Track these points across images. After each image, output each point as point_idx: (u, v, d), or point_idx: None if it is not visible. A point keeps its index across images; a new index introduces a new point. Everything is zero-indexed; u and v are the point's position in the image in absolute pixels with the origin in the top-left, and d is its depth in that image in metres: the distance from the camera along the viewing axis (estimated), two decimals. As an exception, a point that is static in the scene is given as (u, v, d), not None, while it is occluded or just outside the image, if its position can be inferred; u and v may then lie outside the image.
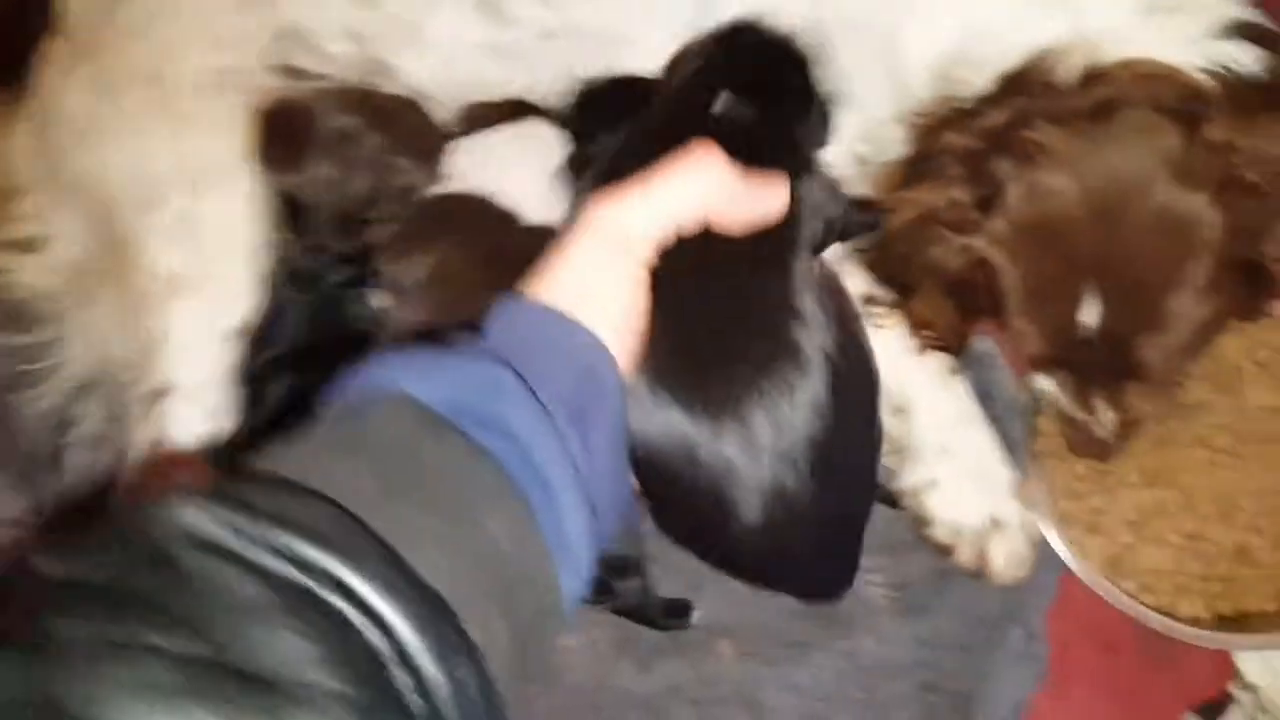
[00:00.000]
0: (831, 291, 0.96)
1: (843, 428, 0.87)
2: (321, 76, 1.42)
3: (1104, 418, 1.26)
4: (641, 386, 0.81)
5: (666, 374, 0.81)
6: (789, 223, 0.87)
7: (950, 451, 1.41)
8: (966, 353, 1.54)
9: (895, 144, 1.30)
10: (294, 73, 1.42)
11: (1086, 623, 1.46)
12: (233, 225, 1.32)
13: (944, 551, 1.41)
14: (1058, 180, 1.09)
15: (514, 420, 0.64)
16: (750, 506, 0.82)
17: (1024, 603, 1.42)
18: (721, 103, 0.96)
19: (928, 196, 1.20)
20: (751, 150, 0.85)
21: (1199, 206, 1.06)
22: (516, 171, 1.38)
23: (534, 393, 0.67)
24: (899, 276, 1.32)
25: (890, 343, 1.41)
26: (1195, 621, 1.37)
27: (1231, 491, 1.39)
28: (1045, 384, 1.31)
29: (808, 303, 0.87)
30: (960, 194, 1.17)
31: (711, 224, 0.82)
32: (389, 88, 1.46)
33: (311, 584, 0.48)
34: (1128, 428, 1.27)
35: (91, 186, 1.33)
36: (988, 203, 1.15)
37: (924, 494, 1.42)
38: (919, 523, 1.43)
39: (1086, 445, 1.30)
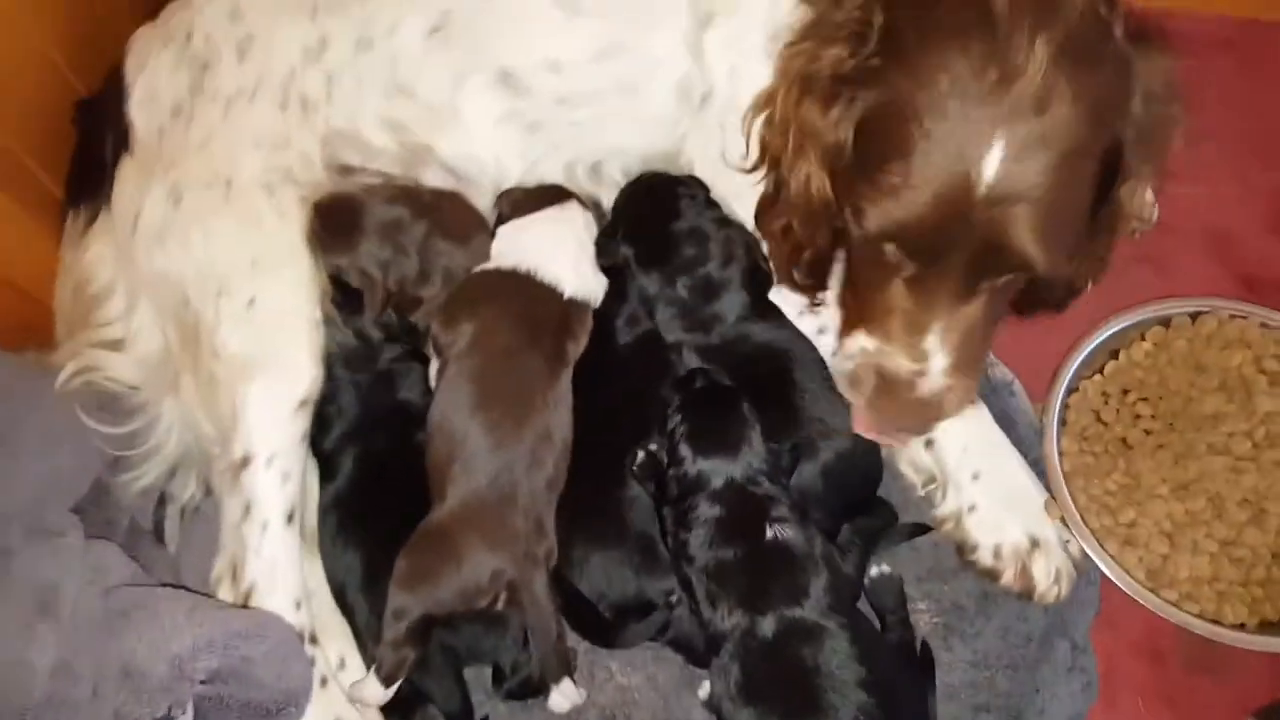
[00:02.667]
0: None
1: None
2: (369, 171, 1.56)
3: (935, 366, 1.24)
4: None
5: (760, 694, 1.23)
6: None
7: (983, 476, 1.47)
8: (987, 382, 1.62)
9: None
10: (344, 170, 1.56)
11: (1132, 634, 1.50)
12: (293, 307, 1.44)
13: (990, 575, 1.46)
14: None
15: None
16: None
17: (1068, 617, 1.47)
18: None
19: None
20: None
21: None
22: (556, 250, 1.52)
23: None
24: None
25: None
26: (1240, 627, 1.40)
27: (1258, 496, 1.43)
28: (866, 344, 1.28)
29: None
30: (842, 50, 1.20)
31: None
32: (430, 171, 1.59)
33: None
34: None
35: (167, 284, 1.47)
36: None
37: (964, 519, 1.48)
38: (962, 548, 1.49)
39: (905, 409, 1.28)
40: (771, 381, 1.47)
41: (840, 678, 1.21)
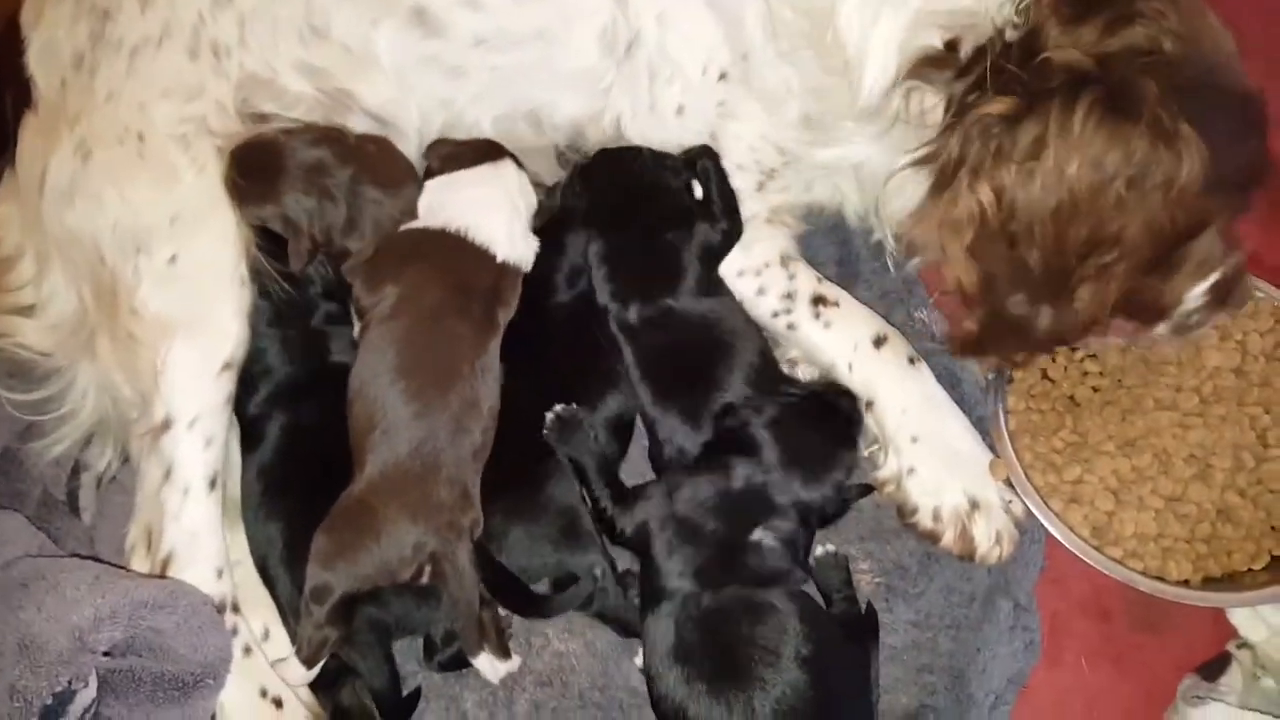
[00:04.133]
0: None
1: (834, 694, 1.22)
2: (287, 119, 1.49)
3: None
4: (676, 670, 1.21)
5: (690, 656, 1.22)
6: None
7: (922, 438, 1.44)
8: (933, 339, 1.59)
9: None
10: (261, 118, 1.49)
11: (1077, 593, 1.47)
12: (217, 264, 1.39)
13: (930, 537, 1.44)
14: None
15: None
16: None
17: (1011, 576, 1.44)
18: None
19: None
20: None
21: None
22: (489, 211, 1.45)
23: None
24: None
25: (848, 340, 1.47)
26: (1184, 584, 1.38)
27: (1205, 451, 1.40)
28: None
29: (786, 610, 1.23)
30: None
31: None
32: (353, 117, 1.52)
33: None
34: None
35: (79, 244, 1.41)
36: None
37: (904, 482, 1.45)
38: (902, 511, 1.46)
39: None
40: (707, 353, 1.43)
41: (778, 651, 1.20)
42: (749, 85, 1.43)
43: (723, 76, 1.44)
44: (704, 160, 1.50)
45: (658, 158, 1.51)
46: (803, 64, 1.38)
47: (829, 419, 1.39)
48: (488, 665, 1.33)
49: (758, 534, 1.29)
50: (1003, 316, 1.30)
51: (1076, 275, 1.23)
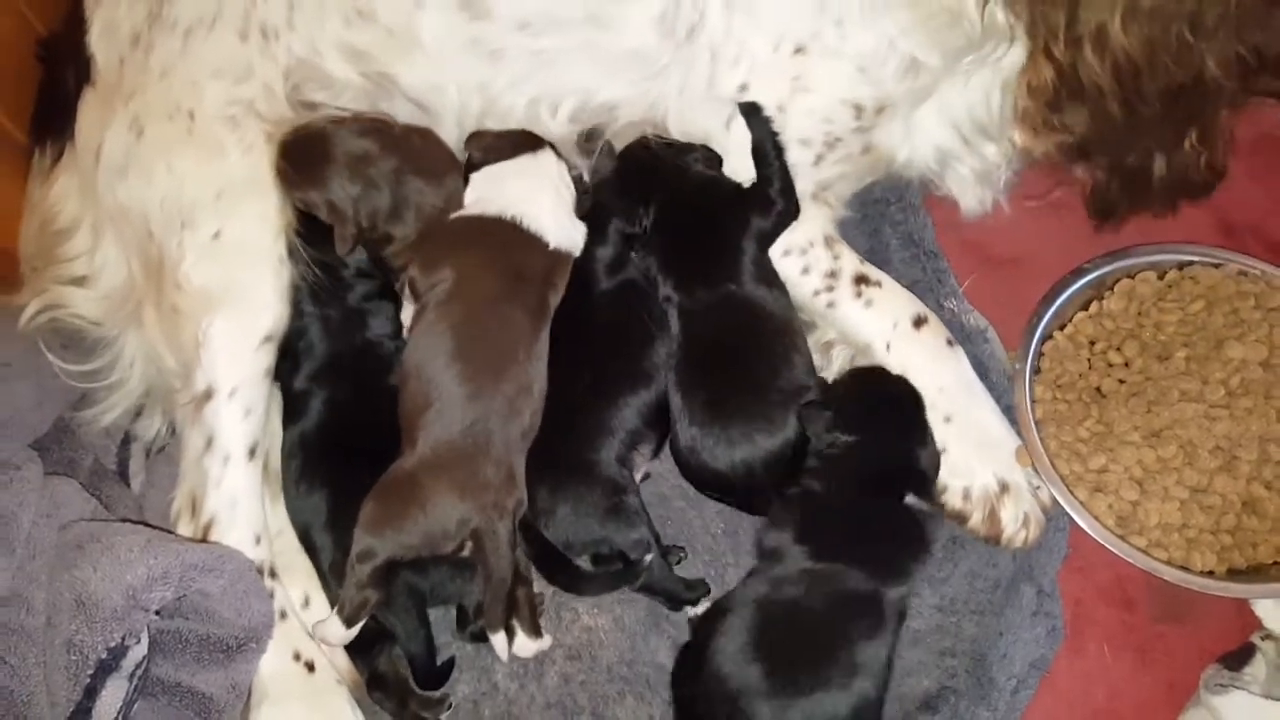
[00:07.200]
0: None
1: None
2: (336, 108, 1.53)
3: None
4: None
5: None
6: None
7: (956, 419, 1.46)
8: (961, 329, 1.60)
9: None
10: (309, 106, 1.53)
11: (1100, 581, 1.49)
12: (259, 242, 1.43)
13: (957, 517, 1.46)
14: None
15: None
16: None
17: (1035, 563, 1.46)
18: None
19: None
20: None
21: None
22: (537, 200, 1.48)
23: None
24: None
25: (888, 319, 1.49)
26: (1209, 574, 1.39)
27: (1231, 443, 1.41)
28: None
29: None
30: None
31: None
32: (395, 103, 1.56)
33: None
34: None
35: (130, 217, 1.45)
36: None
37: None
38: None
39: None
40: (752, 342, 1.45)
41: (859, 654, 1.24)
42: (840, 53, 1.42)
43: (799, 50, 1.43)
44: (761, 133, 1.47)
45: (682, 150, 1.52)
46: (901, 17, 1.37)
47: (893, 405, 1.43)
48: (503, 644, 1.35)
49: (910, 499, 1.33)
50: (1122, 170, 1.32)
51: (1174, 120, 1.24)
